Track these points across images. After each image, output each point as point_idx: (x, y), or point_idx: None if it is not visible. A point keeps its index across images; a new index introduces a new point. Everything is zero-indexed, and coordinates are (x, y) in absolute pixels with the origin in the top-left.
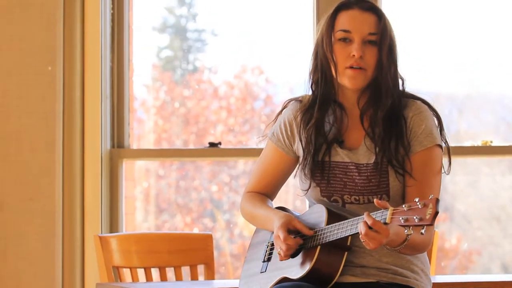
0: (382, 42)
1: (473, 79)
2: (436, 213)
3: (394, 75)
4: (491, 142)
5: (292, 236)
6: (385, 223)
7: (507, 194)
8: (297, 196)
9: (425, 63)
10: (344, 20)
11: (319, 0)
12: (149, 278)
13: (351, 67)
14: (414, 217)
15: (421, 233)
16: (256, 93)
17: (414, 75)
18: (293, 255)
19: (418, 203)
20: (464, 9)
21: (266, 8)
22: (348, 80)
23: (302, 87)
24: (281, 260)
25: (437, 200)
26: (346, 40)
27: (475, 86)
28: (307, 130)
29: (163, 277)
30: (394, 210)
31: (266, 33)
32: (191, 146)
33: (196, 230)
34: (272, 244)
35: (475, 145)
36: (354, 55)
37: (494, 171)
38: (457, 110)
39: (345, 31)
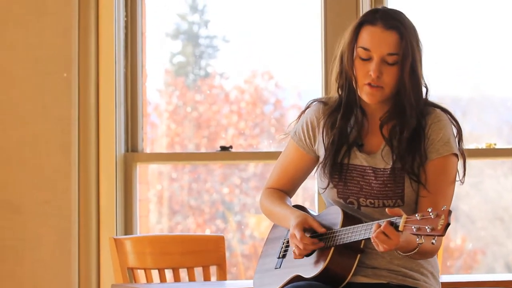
0: (404, 62)
1: (476, 82)
2: (448, 224)
3: (417, 93)
4: (495, 144)
5: (308, 235)
6: (398, 230)
7: (510, 195)
8: (306, 199)
9: (429, 66)
10: (366, 37)
11: (327, 8)
12: (163, 279)
13: (369, 84)
14: (426, 227)
15: (432, 243)
16: (266, 98)
17: (427, 82)
18: (308, 254)
19: (430, 213)
20: (468, 12)
21: (275, 15)
22: (365, 97)
23: (310, 92)
24: (295, 259)
25: (450, 212)
26: (366, 59)
27: (478, 89)
28: (330, 133)
29: (177, 278)
30: (407, 218)
31: (276, 39)
32: (203, 150)
33: (208, 232)
34: (288, 241)
35: (479, 147)
36: (371, 75)
37: (497, 172)
38: (461, 112)
39: (365, 49)
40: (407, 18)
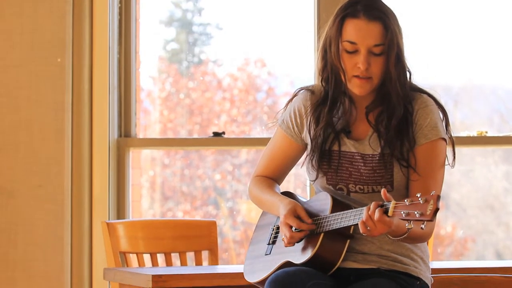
0: (389, 52)
1: (467, 71)
2: (437, 209)
3: (403, 80)
4: (486, 132)
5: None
6: (387, 216)
7: (500, 183)
8: (298, 185)
9: (421, 55)
10: (351, 31)
11: None
12: (154, 263)
13: (358, 77)
14: (415, 212)
15: (421, 228)
16: (258, 85)
17: (410, 66)
18: (298, 240)
19: (420, 199)
20: (459, 2)
21: (269, 3)
22: (355, 89)
23: (302, 79)
24: (285, 246)
25: (438, 197)
26: (353, 52)
27: (470, 78)
28: (316, 128)
29: (168, 262)
30: (396, 203)
31: (269, 27)
32: (195, 136)
33: (200, 217)
34: (278, 228)
35: (471, 135)
36: (360, 67)
37: (488, 161)
38: (453, 101)
39: (351, 42)
40: (386, 5)
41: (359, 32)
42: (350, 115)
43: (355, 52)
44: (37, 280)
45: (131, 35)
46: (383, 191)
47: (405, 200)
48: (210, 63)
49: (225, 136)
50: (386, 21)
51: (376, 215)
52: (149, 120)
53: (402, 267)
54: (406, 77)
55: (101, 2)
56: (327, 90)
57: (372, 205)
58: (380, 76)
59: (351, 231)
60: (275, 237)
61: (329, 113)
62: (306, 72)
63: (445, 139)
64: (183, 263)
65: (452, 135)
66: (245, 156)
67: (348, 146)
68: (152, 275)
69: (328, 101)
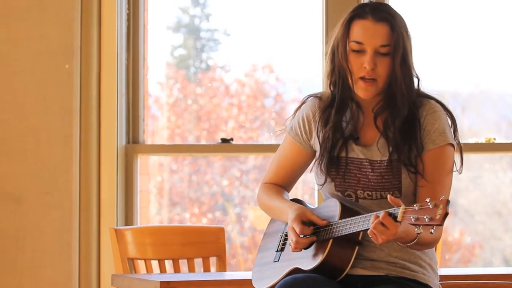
0: (395, 53)
1: (475, 77)
2: (446, 214)
3: (408, 82)
4: (494, 139)
5: (307, 227)
6: (396, 221)
7: (508, 189)
8: (305, 192)
9: (429, 61)
10: (358, 31)
11: (328, 1)
12: (162, 269)
13: (364, 78)
14: (425, 217)
15: (431, 233)
16: (266, 91)
17: (418, 73)
18: (306, 247)
19: (429, 203)
20: (467, 7)
21: (276, 9)
22: (360, 92)
23: (311, 85)
24: (293, 251)
25: (448, 202)
26: (359, 52)
27: (478, 84)
28: (324, 130)
29: (176, 269)
30: (405, 208)
31: (277, 33)
32: (203, 142)
33: (207, 223)
34: (286, 235)
35: (479, 142)
36: (366, 67)
37: (496, 167)
38: (460, 108)
39: (358, 42)
40: (394, 9)
41: (366, 32)
42: (358, 120)
43: (361, 52)
44: (45, 286)
45: (139, 41)
46: (389, 196)
47: (414, 205)
48: (218, 69)
49: (233, 142)
50: (393, 23)
51: (384, 219)
52: (157, 126)
53: (410, 274)
54: (412, 80)
55: (109, 9)
56: (334, 94)
57: (382, 213)
58: (385, 78)
59: (360, 238)
60: (284, 244)
61: (337, 115)
62: (314, 77)
63: (453, 145)
64: (191, 269)
65: (460, 141)
66: (253, 162)
67: (356, 152)
68: (160, 282)
69: (335, 104)
